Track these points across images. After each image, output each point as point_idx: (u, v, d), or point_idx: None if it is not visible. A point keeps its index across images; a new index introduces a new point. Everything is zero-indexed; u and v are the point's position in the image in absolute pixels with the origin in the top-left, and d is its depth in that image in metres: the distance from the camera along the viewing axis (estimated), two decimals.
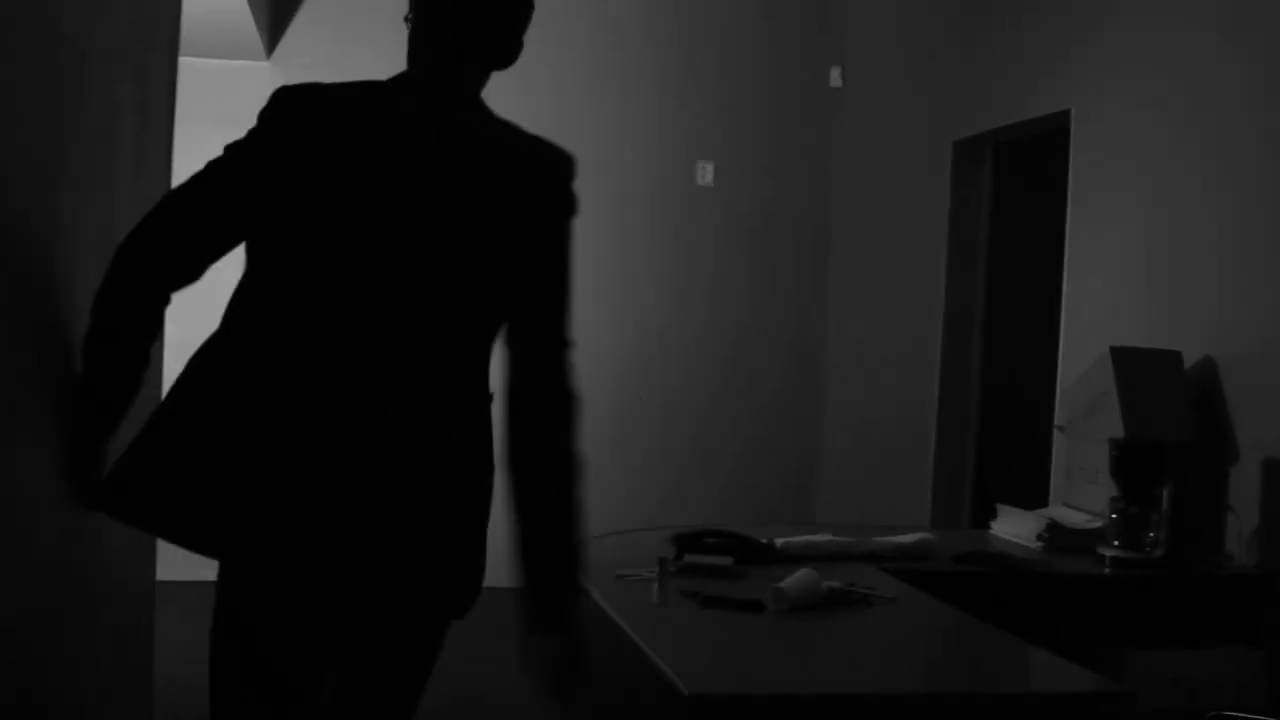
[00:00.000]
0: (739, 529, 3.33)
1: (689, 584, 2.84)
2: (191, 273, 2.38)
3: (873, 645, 2.61)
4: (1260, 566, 3.72)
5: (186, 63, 4.27)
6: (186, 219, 2.39)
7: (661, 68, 7.57)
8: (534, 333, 2.59)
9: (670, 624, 2.60)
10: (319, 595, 2.34)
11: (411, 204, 2.38)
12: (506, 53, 2.68)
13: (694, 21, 7.59)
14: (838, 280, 7.50)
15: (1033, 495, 4.68)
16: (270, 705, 2.33)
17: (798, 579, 2.73)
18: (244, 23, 6.30)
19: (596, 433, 7.68)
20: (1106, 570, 3.60)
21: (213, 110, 5.46)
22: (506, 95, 7.27)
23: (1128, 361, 3.91)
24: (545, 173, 2.64)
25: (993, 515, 4.15)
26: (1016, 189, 6.27)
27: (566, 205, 2.65)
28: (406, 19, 2.61)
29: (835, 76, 7.47)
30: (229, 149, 2.41)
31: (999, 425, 6.29)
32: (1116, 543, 3.65)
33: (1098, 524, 3.78)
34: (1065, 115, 5.07)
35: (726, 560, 3.05)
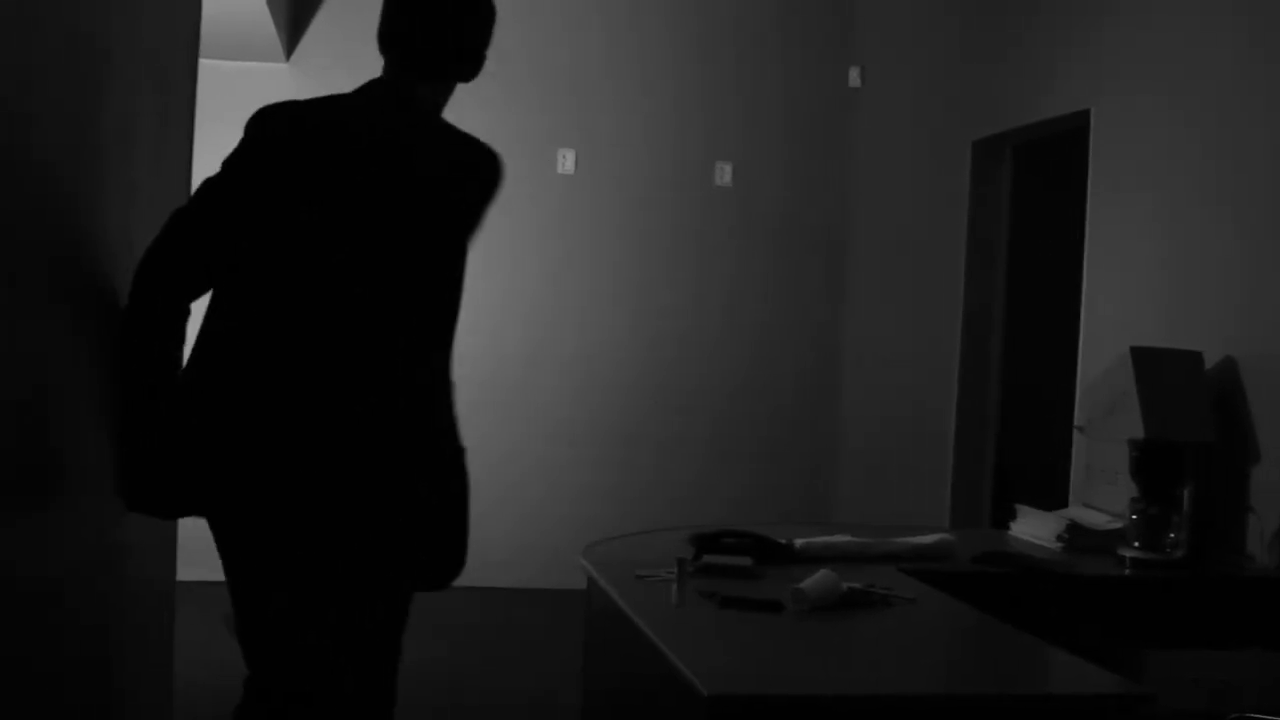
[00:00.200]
0: (757, 529, 3.32)
1: (707, 584, 2.83)
2: (205, 284, 2.63)
3: (892, 646, 2.60)
4: None
5: (206, 64, 4.28)
6: (194, 238, 2.64)
7: (680, 69, 7.56)
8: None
9: (689, 624, 2.60)
10: (292, 561, 2.59)
11: (361, 209, 2.64)
12: (455, 65, 2.96)
13: (712, 22, 7.59)
14: (856, 280, 7.49)
15: (1052, 496, 4.66)
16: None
17: (817, 580, 2.72)
18: (263, 25, 6.31)
19: (615, 432, 7.73)
20: (1127, 571, 3.59)
21: (232, 112, 5.48)
22: (525, 96, 7.25)
23: (1148, 361, 3.89)
24: (475, 173, 2.94)
25: (1012, 516, 4.14)
26: (1036, 189, 6.26)
27: (483, 201, 2.95)
28: None
29: (854, 76, 7.46)
30: (224, 166, 2.67)
31: (1018, 425, 6.28)
32: (1137, 544, 3.64)
33: (1118, 525, 3.76)
34: (1085, 115, 5.06)
35: (745, 561, 3.04)
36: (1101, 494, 4.03)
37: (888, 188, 7.13)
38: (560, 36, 7.46)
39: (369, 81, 2.85)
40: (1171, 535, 3.63)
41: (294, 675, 2.66)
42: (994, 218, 6.10)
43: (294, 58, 6.98)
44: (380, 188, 2.67)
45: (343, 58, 7.14)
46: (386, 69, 2.88)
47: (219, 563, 2.66)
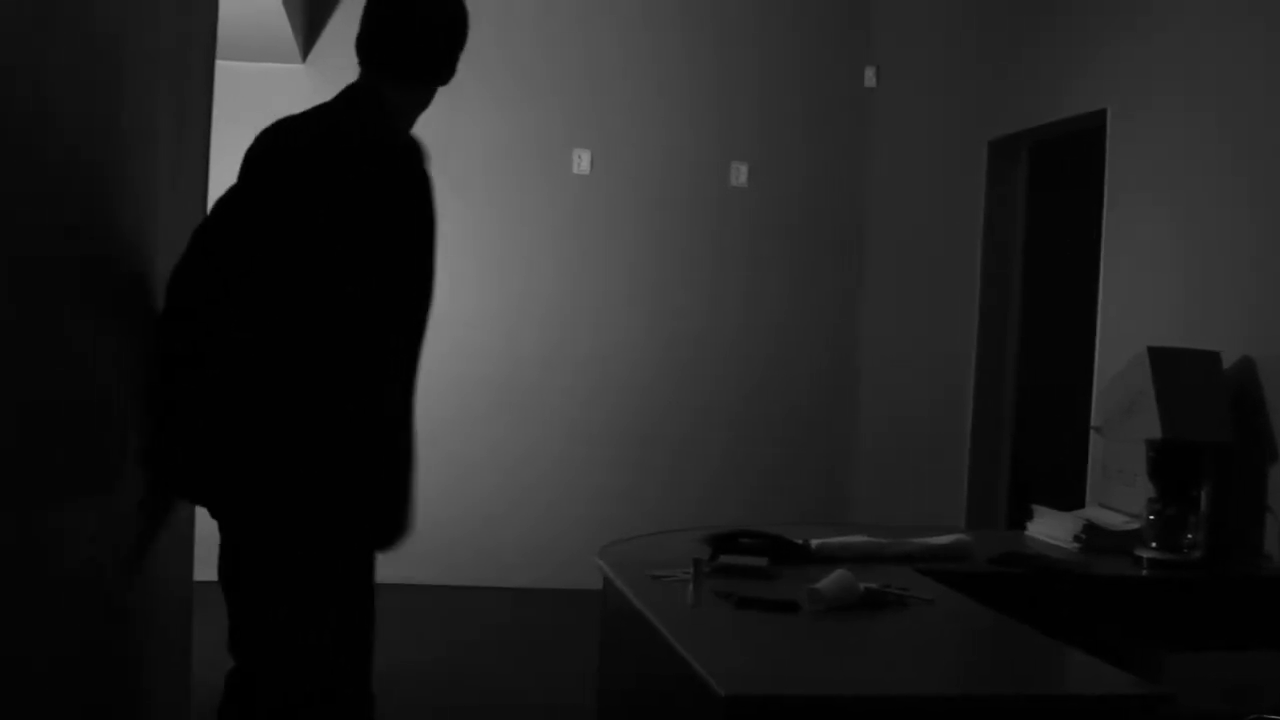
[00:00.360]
0: (773, 529, 3.32)
1: (724, 585, 2.83)
2: (224, 292, 2.81)
3: (909, 646, 2.60)
4: None
5: (223, 66, 4.29)
6: (204, 254, 2.86)
7: (695, 69, 7.56)
8: None
9: (705, 625, 2.60)
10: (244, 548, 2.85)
11: (276, 217, 2.80)
12: (420, 70, 3.02)
13: (728, 23, 7.59)
14: (872, 281, 7.48)
15: (1069, 496, 4.65)
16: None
17: (833, 580, 2.72)
18: (280, 26, 6.33)
19: (631, 433, 7.73)
20: (1144, 572, 3.58)
21: (249, 113, 5.49)
22: (540, 96, 7.25)
23: (1165, 362, 3.88)
24: (380, 183, 2.93)
25: (1028, 516, 4.13)
26: (1052, 189, 6.24)
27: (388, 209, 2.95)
28: None
29: (869, 76, 7.46)
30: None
31: (1034, 426, 6.26)
32: (1154, 544, 3.63)
33: (1135, 525, 3.75)
34: (1101, 114, 5.04)
35: (761, 561, 3.04)
36: (1118, 494, 4.02)
37: (903, 188, 7.12)
38: (576, 37, 7.47)
39: (347, 86, 2.97)
40: (1189, 536, 3.62)
41: (261, 664, 2.90)
42: (1010, 218, 6.09)
43: (310, 59, 6.99)
44: (293, 198, 2.82)
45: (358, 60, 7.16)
46: (360, 74, 3.00)
47: None
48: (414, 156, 2.93)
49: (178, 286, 2.85)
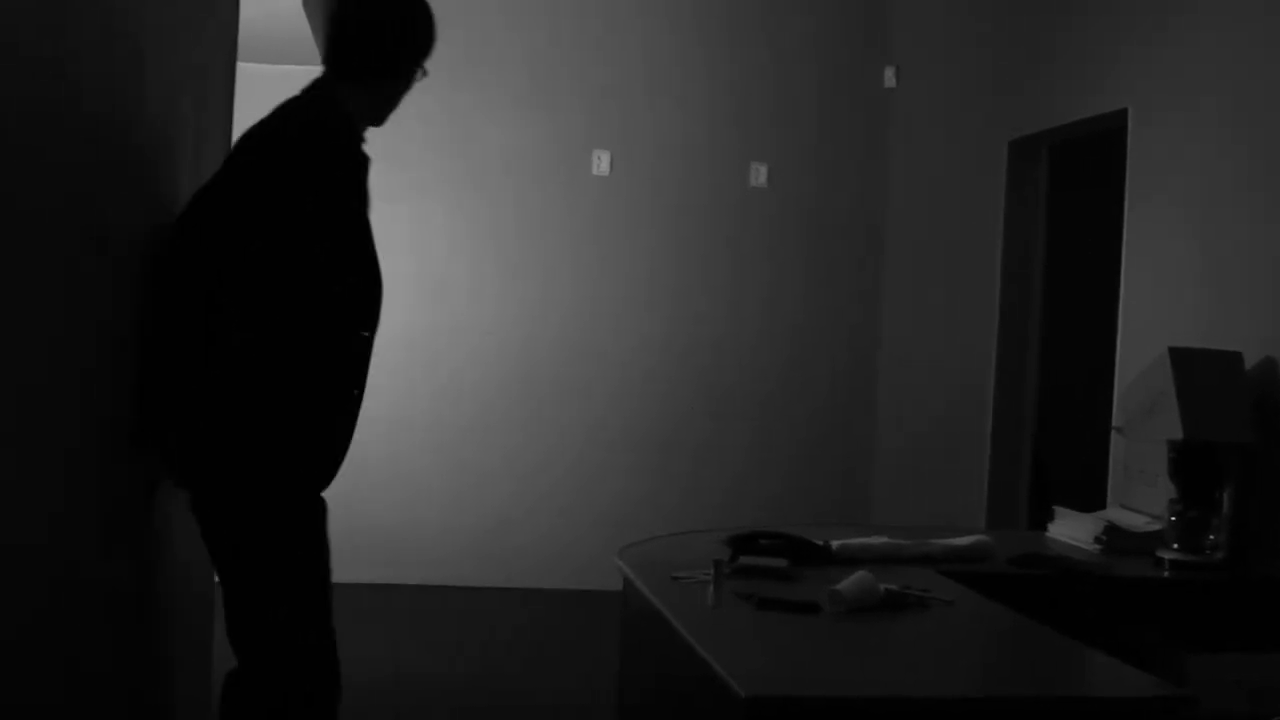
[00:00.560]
0: (793, 531, 3.32)
1: (744, 586, 2.83)
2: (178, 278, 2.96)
3: (930, 648, 2.60)
4: None
5: (243, 68, 4.31)
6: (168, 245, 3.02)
7: (715, 70, 7.56)
8: None
9: (726, 626, 2.60)
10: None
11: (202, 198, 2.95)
12: (364, 68, 3.07)
13: (747, 24, 7.58)
14: (892, 281, 7.47)
15: (1090, 497, 4.63)
16: None
17: (854, 581, 2.72)
18: (299, 28, 6.34)
19: (650, 434, 7.73)
20: (1166, 573, 3.56)
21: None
22: (560, 98, 7.26)
23: (1187, 362, 3.86)
24: (264, 152, 3.00)
25: (1049, 517, 4.12)
26: (1073, 189, 6.23)
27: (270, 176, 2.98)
28: None
29: (889, 77, 7.44)
30: None
31: (1055, 426, 6.25)
32: (1176, 545, 3.61)
33: (1156, 527, 3.74)
34: (1122, 114, 5.03)
35: (781, 562, 3.04)
36: (1140, 495, 4.01)
37: (923, 188, 7.11)
38: (595, 39, 7.47)
39: (310, 82, 3.09)
40: (1211, 537, 3.60)
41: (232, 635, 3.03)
42: (1030, 218, 6.08)
43: None
44: (221, 184, 2.97)
45: None
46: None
47: None
48: (305, 134, 3.01)
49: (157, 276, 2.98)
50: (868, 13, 7.63)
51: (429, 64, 3.22)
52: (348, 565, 6.80)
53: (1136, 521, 3.84)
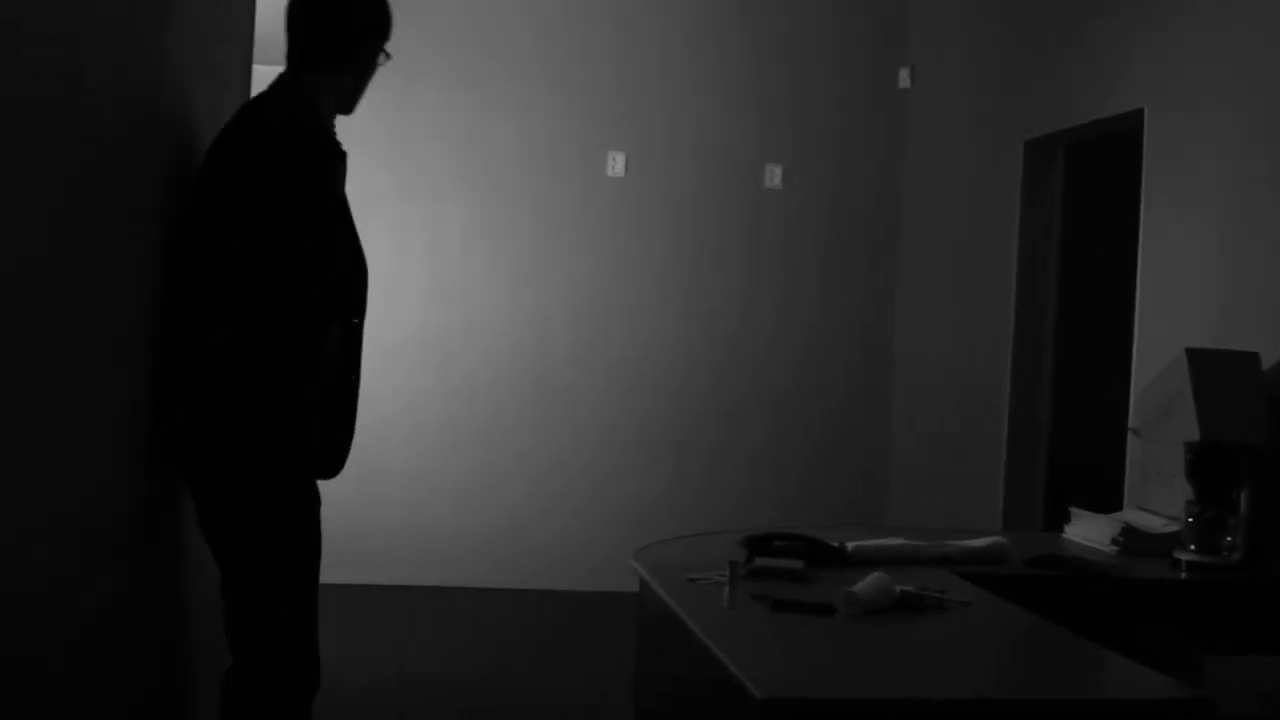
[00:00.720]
0: (809, 532, 3.32)
1: (759, 587, 2.83)
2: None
3: (946, 650, 2.59)
4: None
5: (260, 71, 4.31)
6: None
7: (729, 71, 7.56)
8: None
9: (741, 627, 2.59)
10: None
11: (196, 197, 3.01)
12: (321, 57, 3.11)
13: (762, 25, 7.58)
14: (907, 282, 7.46)
15: (1106, 498, 4.62)
16: None
17: (870, 582, 2.72)
18: None
19: (665, 435, 7.73)
20: (1183, 575, 3.55)
21: None
22: (575, 100, 7.28)
23: (1204, 363, 3.85)
24: (237, 148, 3.04)
25: (1066, 519, 4.11)
26: (1089, 189, 6.21)
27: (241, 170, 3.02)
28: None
29: (904, 77, 7.43)
30: None
31: (1071, 428, 6.23)
32: (1193, 547, 3.60)
33: (1173, 528, 3.72)
34: (1138, 114, 5.02)
35: (797, 564, 3.03)
36: (1157, 497, 3.99)
37: (939, 189, 7.10)
38: (611, 41, 7.48)
39: (275, 79, 3.14)
40: (1228, 538, 3.59)
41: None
42: (1046, 218, 6.07)
43: None
44: (201, 180, 3.04)
45: (394, 63, 7.18)
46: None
47: None
48: (280, 131, 3.02)
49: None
50: (883, 13, 7.63)
51: (391, 48, 3.27)
52: (361, 567, 6.87)
53: (1153, 523, 3.83)
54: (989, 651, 2.70)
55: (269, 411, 2.96)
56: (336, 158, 3.12)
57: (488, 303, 7.41)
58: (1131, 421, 4.62)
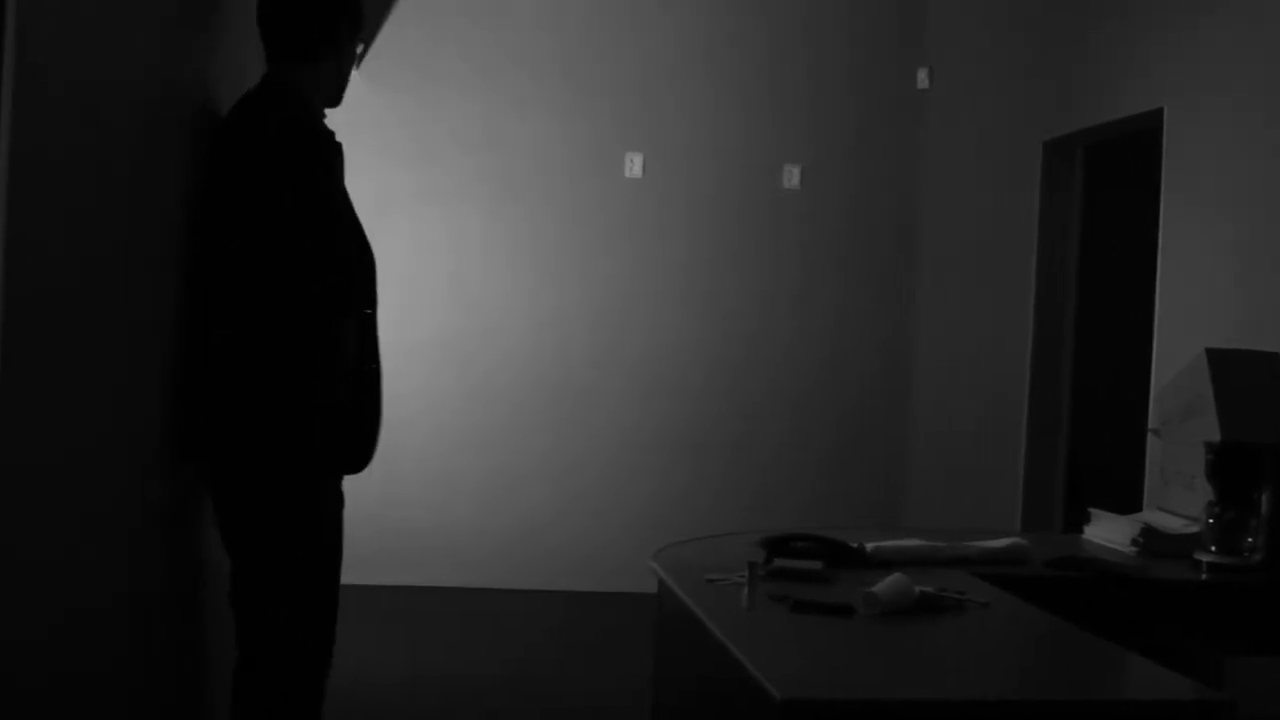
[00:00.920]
0: (828, 533, 3.31)
1: (778, 588, 2.83)
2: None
3: (966, 651, 2.59)
4: None
5: None
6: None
7: (747, 72, 7.56)
8: None
9: (760, 628, 2.59)
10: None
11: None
12: (295, 49, 3.14)
13: (780, 25, 7.58)
14: (926, 283, 7.45)
15: (1126, 499, 4.61)
16: None
17: (889, 583, 2.71)
18: None
19: (684, 435, 7.73)
20: (1203, 576, 3.54)
21: None
22: (593, 101, 7.30)
23: (1224, 363, 3.84)
24: (230, 143, 3.10)
25: (1085, 520, 4.10)
26: (1108, 189, 6.20)
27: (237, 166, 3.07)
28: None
29: (922, 78, 7.43)
30: None
31: (1090, 428, 6.22)
32: (1213, 548, 3.59)
33: (1194, 529, 3.71)
34: (1158, 114, 5.00)
35: (816, 565, 3.03)
36: (1177, 498, 3.98)
37: (957, 189, 7.08)
38: (629, 42, 7.48)
39: (261, 78, 3.19)
40: (1249, 539, 3.57)
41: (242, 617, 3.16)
42: (1065, 218, 6.05)
43: (364, 67, 7.05)
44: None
45: (412, 66, 7.22)
46: None
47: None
48: (279, 130, 3.05)
49: None
50: (901, 13, 7.62)
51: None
52: (381, 568, 6.88)
53: (1173, 524, 3.82)
54: (1008, 653, 2.70)
55: (281, 410, 2.98)
56: (334, 150, 3.14)
57: (507, 304, 7.43)
58: (1151, 422, 4.61)
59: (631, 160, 7.46)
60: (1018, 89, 6.33)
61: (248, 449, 3.00)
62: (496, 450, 7.41)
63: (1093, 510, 4.10)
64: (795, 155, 7.58)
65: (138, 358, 2.61)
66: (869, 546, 3.24)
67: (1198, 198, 4.74)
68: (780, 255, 7.58)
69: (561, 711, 5.36)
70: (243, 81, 3.29)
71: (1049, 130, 5.94)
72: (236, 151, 3.03)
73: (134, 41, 2.46)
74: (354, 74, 7.02)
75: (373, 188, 6.50)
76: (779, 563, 3.04)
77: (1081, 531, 4.05)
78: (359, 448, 3.14)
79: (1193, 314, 4.73)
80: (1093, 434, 6.20)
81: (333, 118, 3.25)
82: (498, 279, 7.42)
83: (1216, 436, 3.69)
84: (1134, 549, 3.72)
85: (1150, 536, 3.74)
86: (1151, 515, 3.98)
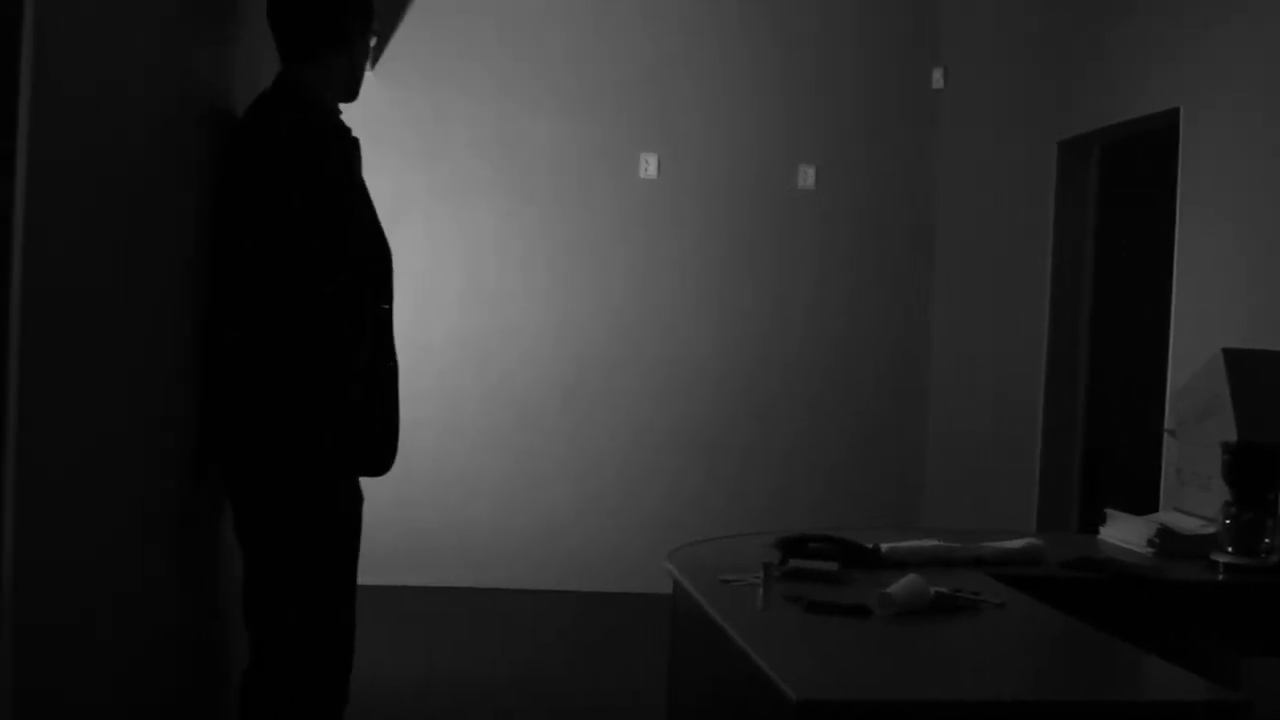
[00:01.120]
0: (843, 534, 3.31)
1: (793, 589, 2.83)
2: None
3: (981, 651, 2.59)
4: None
5: None
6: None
7: (762, 72, 7.56)
8: None
9: (776, 629, 2.59)
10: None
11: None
12: (305, 42, 3.15)
13: (794, 25, 7.58)
14: (941, 283, 7.44)
15: (1142, 500, 4.60)
16: None
17: (904, 584, 2.71)
18: None
19: (699, 436, 7.73)
20: (1220, 577, 3.53)
21: None
22: (607, 102, 7.31)
23: (1241, 363, 3.83)
24: (245, 143, 3.15)
25: (1101, 520, 4.09)
26: (1123, 189, 6.18)
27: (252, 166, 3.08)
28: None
29: (937, 78, 7.42)
30: None
31: (1106, 429, 6.21)
32: (1230, 549, 3.57)
33: (1210, 529, 3.70)
34: (1174, 113, 4.99)
35: (831, 565, 3.03)
36: (1193, 498, 3.97)
37: (973, 189, 7.07)
38: (643, 43, 7.48)
39: (275, 77, 3.20)
40: (1266, 540, 3.56)
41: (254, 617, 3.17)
42: (1081, 219, 6.04)
43: (378, 67, 7.06)
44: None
45: (427, 67, 7.23)
46: None
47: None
48: (291, 132, 3.05)
49: None
50: (916, 14, 7.61)
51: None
52: (397, 568, 6.89)
53: (1190, 524, 3.81)
54: (1024, 653, 2.70)
55: (293, 410, 2.98)
56: (350, 145, 3.14)
57: (522, 305, 7.43)
58: (1168, 423, 4.60)
59: (646, 161, 7.46)
60: (1033, 89, 6.32)
61: (260, 449, 3.01)
62: (513, 450, 7.42)
63: (1108, 511, 4.09)
64: (810, 156, 7.58)
65: (155, 358, 2.62)
66: (884, 547, 3.24)
67: (1213, 198, 4.73)
68: (795, 256, 7.58)
69: (576, 712, 5.36)
70: (257, 80, 3.30)
71: (1064, 130, 5.93)
72: (249, 153, 3.04)
73: (150, 42, 2.47)
74: (368, 73, 7.06)
75: (390, 189, 6.52)
76: (794, 563, 3.04)
77: (1097, 532, 4.04)
78: (377, 449, 3.14)
79: (1209, 314, 4.72)
80: (1108, 434, 6.19)
81: (347, 117, 3.25)
82: (513, 280, 7.43)
83: (1233, 437, 3.68)
84: (1150, 550, 3.71)
85: (1166, 537, 3.73)
86: (1167, 516, 3.97)
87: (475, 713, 5.27)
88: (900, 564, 3.13)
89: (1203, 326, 4.72)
